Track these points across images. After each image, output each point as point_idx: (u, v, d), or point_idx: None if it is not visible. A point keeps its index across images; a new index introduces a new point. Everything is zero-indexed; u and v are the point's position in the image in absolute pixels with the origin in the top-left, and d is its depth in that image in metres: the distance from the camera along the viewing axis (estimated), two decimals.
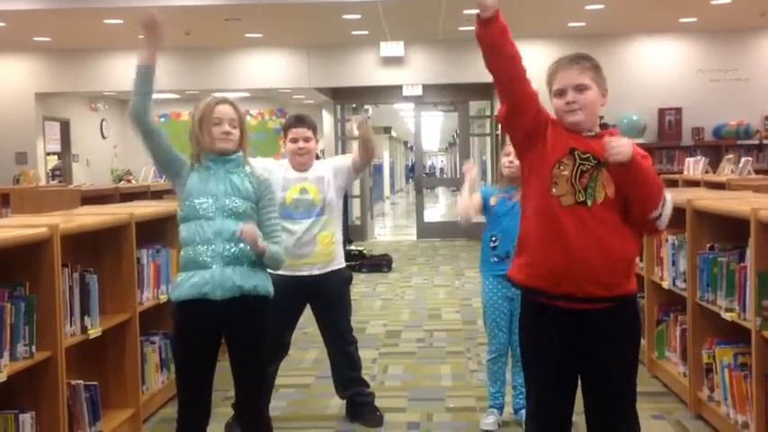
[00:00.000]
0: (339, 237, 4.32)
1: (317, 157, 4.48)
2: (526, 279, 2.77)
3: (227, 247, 3.13)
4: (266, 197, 3.29)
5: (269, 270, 3.31)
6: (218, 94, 3.36)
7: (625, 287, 2.73)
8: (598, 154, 2.67)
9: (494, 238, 4.18)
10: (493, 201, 4.18)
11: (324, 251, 4.20)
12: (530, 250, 2.75)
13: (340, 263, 4.32)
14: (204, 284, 3.12)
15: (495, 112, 2.78)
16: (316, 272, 4.20)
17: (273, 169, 4.18)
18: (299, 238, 4.14)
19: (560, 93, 2.73)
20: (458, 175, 16.77)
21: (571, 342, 2.74)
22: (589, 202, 2.66)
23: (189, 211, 3.19)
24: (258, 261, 3.21)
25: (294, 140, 4.23)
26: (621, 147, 2.59)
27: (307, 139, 4.24)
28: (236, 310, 3.15)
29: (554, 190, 2.68)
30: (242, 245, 3.15)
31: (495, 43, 2.63)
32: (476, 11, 2.60)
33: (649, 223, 2.73)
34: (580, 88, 2.71)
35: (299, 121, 4.30)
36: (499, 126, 8.57)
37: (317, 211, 4.19)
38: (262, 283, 3.21)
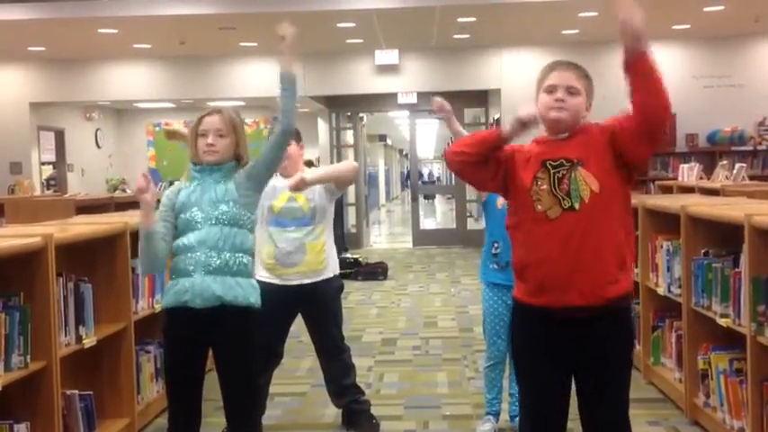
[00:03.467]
0: (331, 245, 4.29)
1: (312, 164, 4.46)
2: (532, 299, 2.74)
3: (210, 255, 3.12)
4: (255, 166, 3.24)
5: (259, 278, 3.30)
6: (213, 105, 3.34)
7: (621, 284, 2.70)
8: (570, 156, 2.68)
9: (496, 245, 4.15)
10: (500, 203, 4.10)
11: (314, 260, 4.18)
12: (529, 273, 2.73)
13: (331, 272, 4.28)
14: (184, 293, 3.12)
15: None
16: (306, 281, 4.18)
17: None
18: (288, 247, 4.13)
19: (551, 89, 2.72)
20: (453, 183, 16.76)
21: (564, 351, 2.72)
22: (577, 205, 2.65)
23: (181, 226, 3.19)
24: (243, 270, 3.19)
25: None
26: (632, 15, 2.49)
27: None
28: (219, 320, 3.14)
29: (539, 207, 2.68)
30: (226, 254, 3.14)
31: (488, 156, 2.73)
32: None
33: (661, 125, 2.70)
34: (571, 91, 2.72)
35: None
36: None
37: (305, 220, 4.17)
38: (243, 293, 3.17)
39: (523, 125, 2.66)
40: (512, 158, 2.76)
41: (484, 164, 2.74)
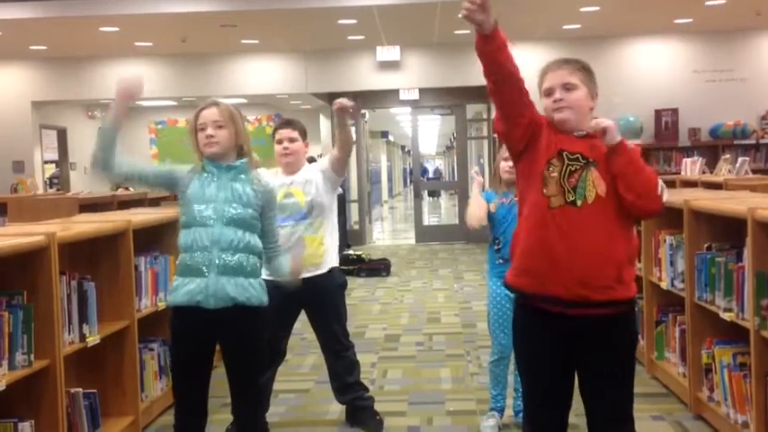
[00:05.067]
0: (330, 239, 4.27)
1: (314, 160, 4.45)
2: (516, 281, 2.77)
3: (224, 256, 3.11)
4: (270, 205, 3.28)
5: (262, 276, 3.30)
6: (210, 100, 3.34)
7: (618, 292, 2.69)
8: (587, 154, 2.70)
9: (497, 241, 4.18)
10: (492, 207, 4.18)
11: (313, 253, 4.15)
12: (520, 253, 2.76)
13: (331, 265, 4.27)
14: (198, 293, 3.11)
15: (493, 123, 2.79)
16: (308, 275, 4.15)
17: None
18: (286, 243, 4.10)
19: (549, 92, 2.75)
20: (455, 179, 16.73)
21: (564, 353, 2.73)
22: (579, 202, 2.66)
23: (189, 218, 3.17)
24: (255, 271, 3.20)
25: (279, 141, 4.23)
26: (604, 121, 2.65)
27: (291, 140, 4.22)
28: (230, 320, 3.13)
29: (544, 191, 2.69)
30: (239, 254, 3.14)
31: (495, 59, 2.62)
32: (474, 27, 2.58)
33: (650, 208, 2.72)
34: (567, 87, 2.73)
35: (285, 123, 4.31)
36: None
37: (302, 214, 4.15)
38: (256, 293, 3.18)
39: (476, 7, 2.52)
40: (541, 131, 2.73)
41: (507, 71, 2.65)
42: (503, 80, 2.66)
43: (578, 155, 2.70)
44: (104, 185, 2.99)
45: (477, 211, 4.17)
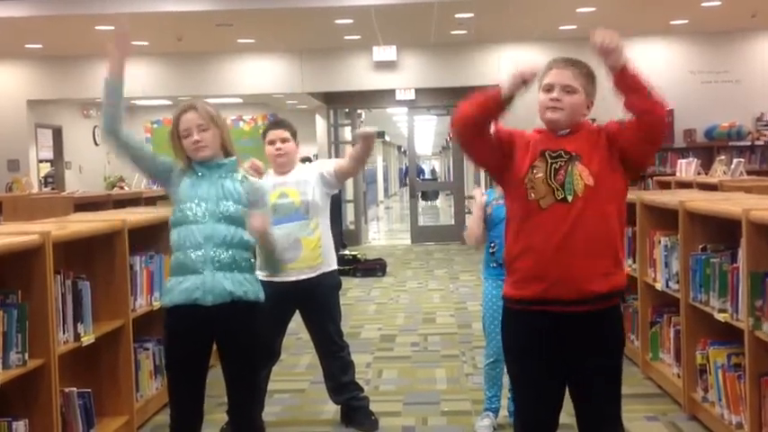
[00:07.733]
0: (327, 240, 4.28)
1: (309, 161, 4.45)
2: (520, 292, 2.75)
3: (218, 251, 3.11)
4: (261, 201, 3.28)
5: (259, 276, 3.30)
6: (185, 102, 3.31)
7: (616, 278, 2.72)
8: (569, 149, 2.71)
9: (492, 244, 4.17)
10: (489, 209, 4.17)
11: (310, 255, 4.16)
12: (518, 263, 2.75)
13: (329, 266, 4.28)
14: (195, 290, 3.11)
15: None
16: (303, 277, 4.16)
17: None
18: (283, 243, 4.09)
19: (548, 88, 2.74)
20: (452, 179, 16.75)
21: (556, 353, 2.74)
22: (569, 198, 2.67)
23: (180, 216, 3.16)
24: (249, 267, 3.20)
25: (272, 142, 4.23)
26: (611, 40, 2.63)
27: (284, 140, 4.22)
28: (228, 316, 3.13)
29: (532, 195, 2.69)
30: (233, 250, 3.14)
31: (485, 119, 2.70)
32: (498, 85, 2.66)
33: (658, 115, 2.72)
34: (568, 90, 2.73)
35: (276, 123, 4.32)
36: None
37: (298, 215, 4.16)
38: (252, 288, 3.19)
39: (523, 81, 2.62)
40: (512, 141, 2.76)
41: (484, 131, 2.72)
42: (477, 139, 2.75)
43: (560, 151, 2.71)
44: (110, 148, 2.96)
45: (476, 229, 4.16)
